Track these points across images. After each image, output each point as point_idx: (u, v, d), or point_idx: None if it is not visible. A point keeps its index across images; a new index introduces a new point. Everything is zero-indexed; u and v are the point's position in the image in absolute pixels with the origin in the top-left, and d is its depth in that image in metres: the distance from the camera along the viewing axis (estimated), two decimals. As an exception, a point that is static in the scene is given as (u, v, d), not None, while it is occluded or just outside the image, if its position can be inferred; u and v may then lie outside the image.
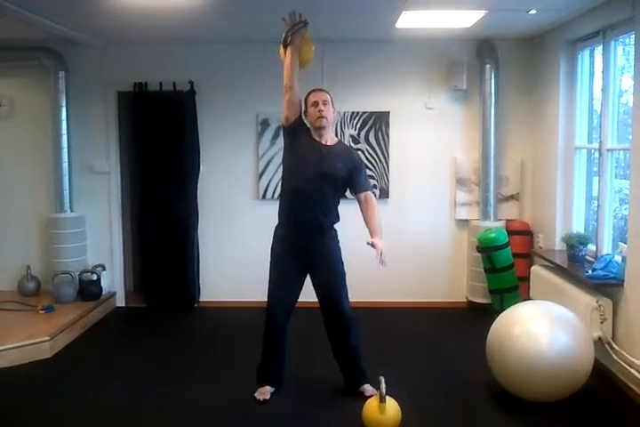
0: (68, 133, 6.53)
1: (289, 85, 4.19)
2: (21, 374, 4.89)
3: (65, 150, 6.53)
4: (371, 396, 4.01)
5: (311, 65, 4.43)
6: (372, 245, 4.16)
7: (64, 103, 6.49)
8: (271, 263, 4.40)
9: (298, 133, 4.31)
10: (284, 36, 4.22)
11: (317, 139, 4.30)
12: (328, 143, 4.31)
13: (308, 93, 4.35)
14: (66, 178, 6.57)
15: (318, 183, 4.21)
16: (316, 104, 4.27)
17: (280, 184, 4.56)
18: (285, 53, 4.22)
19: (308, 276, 4.39)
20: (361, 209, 4.36)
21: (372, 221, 4.30)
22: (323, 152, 4.26)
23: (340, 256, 4.39)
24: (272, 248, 4.42)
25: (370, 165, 6.56)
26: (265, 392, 4.35)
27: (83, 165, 6.70)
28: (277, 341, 4.40)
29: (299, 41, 4.19)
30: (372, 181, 6.57)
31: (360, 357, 4.45)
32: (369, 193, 4.38)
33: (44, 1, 4.74)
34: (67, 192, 6.60)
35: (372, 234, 4.25)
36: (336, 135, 6.40)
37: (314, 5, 4.95)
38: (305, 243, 4.29)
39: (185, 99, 6.55)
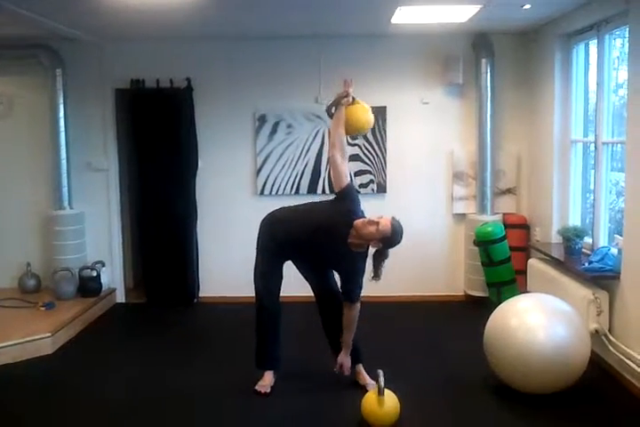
0: (65, 131, 6.54)
1: (332, 156, 4.24)
2: (23, 370, 4.93)
3: (63, 148, 6.54)
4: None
5: (368, 127, 4.48)
6: (340, 364, 4.30)
7: (61, 101, 6.50)
8: (258, 247, 4.45)
9: (341, 203, 4.23)
10: (326, 108, 4.39)
11: (351, 234, 4.09)
12: (350, 243, 4.10)
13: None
14: (64, 175, 6.59)
15: (305, 242, 4.21)
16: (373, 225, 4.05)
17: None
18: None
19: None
20: (343, 312, 4.27)
21: (347, 333, 4.30)
22: (335, 242, 4.11)
23: None
24: (259, 233, 4.45)
25: (367, 160, 6.61)
26: (266, 385, 4.40)
27: (81, 163, 6.72)
28: (275, 325, 4.44)
29: (341, 113, 4.27)
30: (370, 177, 6.62)
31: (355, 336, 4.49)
32: (353, 304, 4.22)
33: (40, -1, 4.77)
34: (65, 189, 6.62)
35: (343, 348, 4.32)
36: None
37: (309, 1, 4.98)
38: None
39: (182, 95, 6.57)
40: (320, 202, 4.46)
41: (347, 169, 4.29)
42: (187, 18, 5.46)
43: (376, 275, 4.17)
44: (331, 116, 4.38)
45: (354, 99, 4.33)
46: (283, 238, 4.29)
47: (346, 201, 4.21)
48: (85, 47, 6.54)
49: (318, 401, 4.29)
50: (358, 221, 4.06)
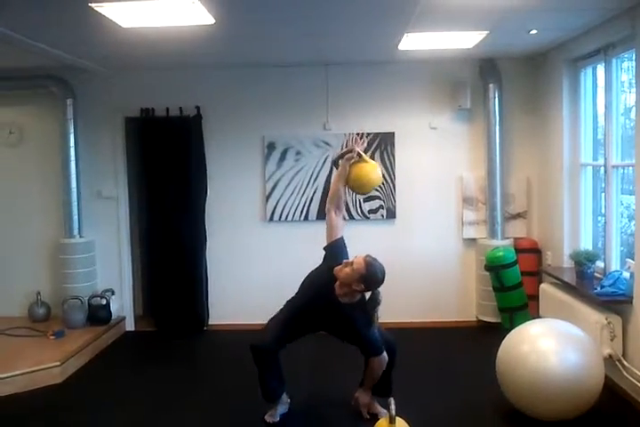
0: (76, 160, 6.60)
1: (327, 208, 4.30)
2: (32, 399, 4.89)
3: (74, 176, 6.59)
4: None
5: (372, 185, 4.49)
6: (357, 399, 4.34)
7: (72, 130, 6.57)
8: (285, 306, 4.41)
9: (328, 259, 4.27)
10: (333, 159, 4.38)
11: (336, 286, 4.11)
12: (339, 297, 4.11)
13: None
14: (75, 204, 6.62)
15: (308, 321, 4.23)
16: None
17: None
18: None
19: None
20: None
21: (367, 381, 4.32)
22: (324, 301, 4.13)
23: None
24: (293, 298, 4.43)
25: (376, 186, 6.59)
26: (274, 414, 4.35)
27: (91, 191, 6.77)
28: (269, 362, 4.30)
29: (343, 170, 4.29)
30: (379, 202, 6.61)
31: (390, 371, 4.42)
32: (373, 359, 4.19)
33: (51, 30, 4.82)
34: (76, 217, 6.65)
35: (363, 387, 4.35)
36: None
37: (318, 29, 5.02)
38: None
39: (192, 123, 6.62)
40: (317, 266, 4.38)
41: (340, 222, 4.33)
42: (195, 47, 5.52)
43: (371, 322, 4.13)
44: (337, 167, 4.36)
45: (360, 156, 4.30)
46: (294, 306, 4.31)
47: (333, 257, 4.22)
48: (96, 77, 6.61)
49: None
50: (336, 268, 4.05)
